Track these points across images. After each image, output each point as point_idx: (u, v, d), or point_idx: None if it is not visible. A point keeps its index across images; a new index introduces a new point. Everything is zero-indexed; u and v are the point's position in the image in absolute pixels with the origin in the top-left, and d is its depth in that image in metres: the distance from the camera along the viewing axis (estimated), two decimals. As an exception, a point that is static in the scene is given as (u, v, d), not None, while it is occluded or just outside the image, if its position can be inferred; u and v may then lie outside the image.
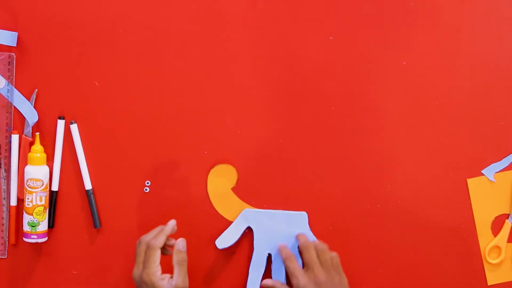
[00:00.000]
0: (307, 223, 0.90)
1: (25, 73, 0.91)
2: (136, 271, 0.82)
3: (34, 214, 0.88)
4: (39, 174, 0.89)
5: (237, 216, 0.90)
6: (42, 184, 0.89)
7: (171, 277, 0.82)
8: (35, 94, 0.91)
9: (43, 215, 0.89)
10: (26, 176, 0.89)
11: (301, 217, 0.90)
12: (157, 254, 0.81)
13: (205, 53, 0.90)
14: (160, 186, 0.91)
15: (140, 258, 0.82)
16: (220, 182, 0.91)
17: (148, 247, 0.82)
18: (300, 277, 0.82)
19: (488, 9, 0.89)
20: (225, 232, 0.90)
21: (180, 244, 0.84)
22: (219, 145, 0.91)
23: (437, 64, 0.89)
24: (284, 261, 0.85)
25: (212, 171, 0.91)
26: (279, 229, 0.90)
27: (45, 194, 0.89)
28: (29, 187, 0.88)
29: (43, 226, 0.89)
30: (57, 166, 0.91)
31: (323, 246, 0.85)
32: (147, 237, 0.83)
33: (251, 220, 0.90)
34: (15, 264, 0.92)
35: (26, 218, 0.89)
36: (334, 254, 0.85)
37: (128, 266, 0.91)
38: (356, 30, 0.90)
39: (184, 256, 0.83)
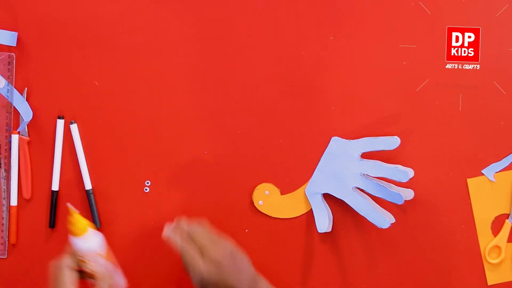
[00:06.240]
0: None
1: (25, 73, 0.91)
2: None
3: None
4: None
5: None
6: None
7: None
8: (25, 93, 0.91)
9: None
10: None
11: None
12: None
13: (205, 53, 0.90)
14: (160, 186, 0.91)
15: None
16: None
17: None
18: (200, 267, 0.74)
19: (487, 9, 0.89)
20: (315, 216, 0.89)
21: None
22: (219, 145, 0.91)
23: (437, 64, 0.89)
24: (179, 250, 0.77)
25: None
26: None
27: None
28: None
29: None
30: (57, 166, 0.91)
31: (187, 224, 0.79)
32: None
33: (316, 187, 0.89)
34: (15, 264, 0.92)
35: None
36: (197, 225, 0.79)
37: (128, 266, 0.91)
38: (356, 30, 0.90)
39: None
